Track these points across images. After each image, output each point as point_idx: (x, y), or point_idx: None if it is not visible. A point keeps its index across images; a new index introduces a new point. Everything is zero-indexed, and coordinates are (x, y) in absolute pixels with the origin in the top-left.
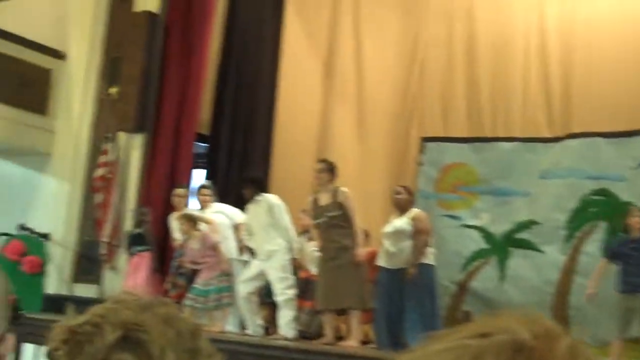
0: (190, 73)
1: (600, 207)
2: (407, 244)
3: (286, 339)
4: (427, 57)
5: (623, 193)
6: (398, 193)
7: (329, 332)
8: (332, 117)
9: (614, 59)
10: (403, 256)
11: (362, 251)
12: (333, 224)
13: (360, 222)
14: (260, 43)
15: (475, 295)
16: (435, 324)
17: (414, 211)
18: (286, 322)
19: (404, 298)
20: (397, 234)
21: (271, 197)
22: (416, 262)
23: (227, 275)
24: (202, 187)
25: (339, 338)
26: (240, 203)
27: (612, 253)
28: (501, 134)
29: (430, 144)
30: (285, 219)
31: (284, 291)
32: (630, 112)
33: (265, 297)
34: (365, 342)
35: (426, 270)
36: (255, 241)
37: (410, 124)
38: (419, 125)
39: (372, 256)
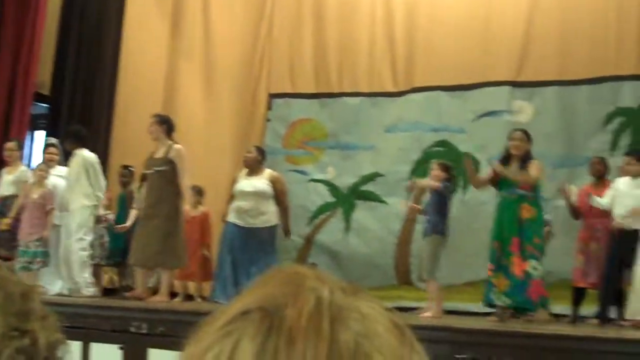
0: (25, 32)
1: (441, 158)
2: (265, 205)
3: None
4: (275, 14)
5: (462, 144)
6: (249, 152)
7: (139, 286)
8: (178, 75)
9: (455, 16)
10: (258, 216)
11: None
12: (159, 178)
13: (207, 179)
14: (103, 1)
15: (322, 248)
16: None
17: (269, 172)
18: (85, 283)
19: (247, 254)
20: (258, 195)
21: (85, 152)
22: (287, 227)
23: (44, 241)
24: (49, 144)
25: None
26: None
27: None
28: (347, 89)
29: (277, 100)
30: (96, 176)
31: (79, 252)
32: (469, 67)
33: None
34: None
35: (275, 230)
36: (66, 195)
37: (258, 81)
38: (267, 82)
39: (206, 217)
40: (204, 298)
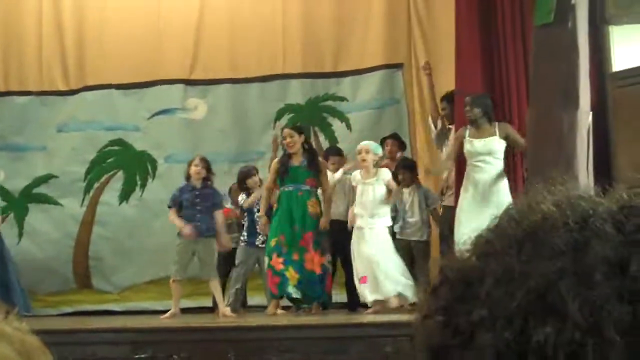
0: None
1: (117, 157)
2: None
3: None
4: None
5: (138, 143)
6: None
7: None
8: None
9: (126, 15)
10: None
11: None
12: None
13: None
14: None
15: None
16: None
17: None
18: None
19: None
20: None
21: None
22: None
23: None
24: None
25: None
26: None
27: (174, 200)
28: (15, 88)
29: None
30: None
31: None
32: (143, 65)
33: None
34: None
35: None
36: None
37: None
38: None
39: None
40: None
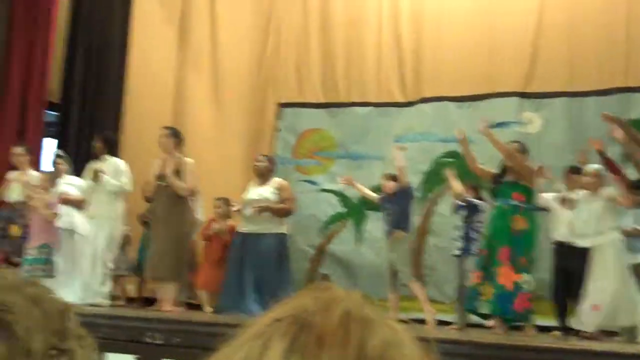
0: (36, 40)
1: (450, 168)
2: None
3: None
4: (282, 23)
5: None
6: (259, 161)
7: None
8: (186, 83)
9: (462, 27)
10: (263, 223)
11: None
12: (169, 191)
13: (218, 189)
14: (110, 9)
15: (333, 258)
16: (283, 292)
17: (277, 180)
18: (105, 295)
19: (252, 262)
20: (262, 202)
21: (117, 160)
22: (272, 209)
23: (49, 248)
24: (57, 156)
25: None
26: None
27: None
28: (356, 99)
29: (286, 110)
30: (127, 186)
31: (106, 263)
32: (477, 78)
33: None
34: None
35: (281, 240)
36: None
37: (266, 90)
38: (275, 91)
39: (233, 229)
40: None
